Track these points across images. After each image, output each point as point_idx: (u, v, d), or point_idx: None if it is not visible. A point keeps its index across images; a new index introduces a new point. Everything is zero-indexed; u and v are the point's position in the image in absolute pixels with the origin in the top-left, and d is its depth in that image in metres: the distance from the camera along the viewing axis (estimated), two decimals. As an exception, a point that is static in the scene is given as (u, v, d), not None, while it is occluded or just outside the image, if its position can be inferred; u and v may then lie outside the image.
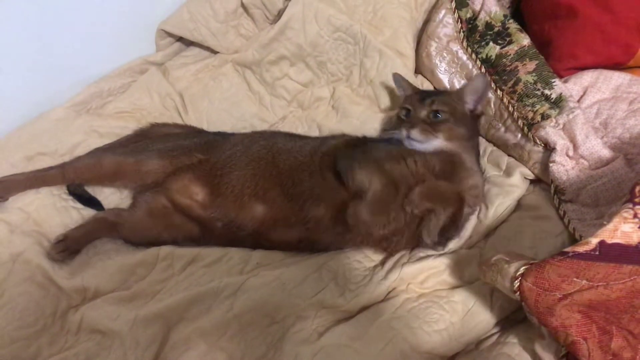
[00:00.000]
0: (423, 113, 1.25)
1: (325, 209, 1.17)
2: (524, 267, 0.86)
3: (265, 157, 1.26)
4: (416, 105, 1.26)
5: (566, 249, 0.83)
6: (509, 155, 1.36)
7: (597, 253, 0.81)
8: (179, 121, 1.51)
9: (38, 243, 1.22)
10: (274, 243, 1.21)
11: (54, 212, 1.29)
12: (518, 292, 0.87)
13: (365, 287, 1.10)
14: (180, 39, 1.63)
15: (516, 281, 0.87)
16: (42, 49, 1.38)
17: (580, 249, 0.82)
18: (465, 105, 1.30)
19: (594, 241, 0.81)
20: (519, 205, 1.28)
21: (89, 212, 1.31)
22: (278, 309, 1.07)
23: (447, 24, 1.51)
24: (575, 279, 0.82)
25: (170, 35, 1.59)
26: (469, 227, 1.25)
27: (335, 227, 1.17)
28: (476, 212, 1.25)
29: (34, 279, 1.16)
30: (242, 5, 1.54)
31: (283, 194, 1.20)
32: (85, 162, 1.32)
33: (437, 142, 1.21)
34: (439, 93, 1.40)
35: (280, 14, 1.55)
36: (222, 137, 1.37)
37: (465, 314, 1.05)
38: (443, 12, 1.51)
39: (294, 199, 1.19)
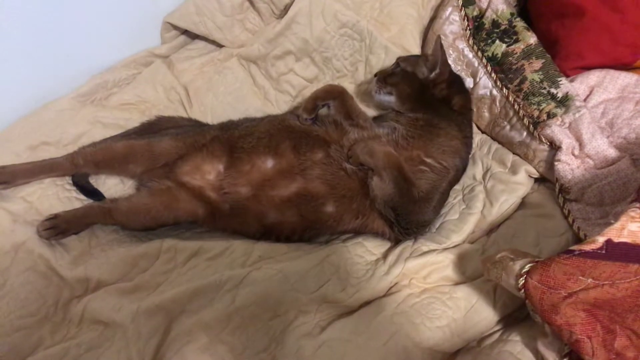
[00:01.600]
0: (389, 68, 1.41)
1: (321, 152, 1.24)
2: (529, 265, 0.86)
3: (279, 120, 1.33)
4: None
5: (572, 247, 0.83)
6: (514, 153, 1.36)
7: (603, 252, 0.81)
8: (183, 114, 1.51)
9: (41, 233, 1.22)
10: (273, 201, 1.22)
11: (57, 202, 1.28)
12: (523, 290, 0.87)
13: (368, 282, 1.10)
14: (185, 32, 1.63)
15: (521, 279, 0.87)
16: (47, 39, 1.37)
17: (587, 247, 0.82)
18: (421, 69, 1.35)
19: (600, 240, 0.81)
20: (523, 203, 1.28)
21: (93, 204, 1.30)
22: (280, 302, 1.07)
23: (453, 21, 1.50)
24: (580, 277, 0.82)
25: (175, 28, 1.59)
26: (472, 220, 1.24)
27: (325, 174, 1.22)
28: (445, 179, 1.25)
29: (36, 268, 1.15)
30: (249, -1, 1.53)
31: (291, 146, 1.25)
32: (97, 146, 1.33)
33: (387, 98, 1.37)
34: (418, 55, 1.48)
35: (286, 8, 1.54)
36: (232, 121, 1.40)
37: (467, 311, 1.05)
38: (450, 9, 1.50)
39: (300, 150, 1.24)
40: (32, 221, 1.22)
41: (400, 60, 1.40)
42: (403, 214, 1.17)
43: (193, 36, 1.63)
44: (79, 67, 1.50)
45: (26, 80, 1.40)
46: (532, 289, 0.85)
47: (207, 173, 1.25)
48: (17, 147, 1.34)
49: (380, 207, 1.19)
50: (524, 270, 0.87)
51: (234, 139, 1.27)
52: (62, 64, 1.45)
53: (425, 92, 1.33)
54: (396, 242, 1.23)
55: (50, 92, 1.45)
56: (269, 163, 1.24)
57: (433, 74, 1.33)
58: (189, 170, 1.25)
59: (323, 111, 1.34)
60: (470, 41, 1.47)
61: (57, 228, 1.20)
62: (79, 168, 1.31)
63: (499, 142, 1.42)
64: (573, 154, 1.20)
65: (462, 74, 1.48)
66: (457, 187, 1.33)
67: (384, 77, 1.38)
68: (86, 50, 1.49)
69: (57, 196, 1.29)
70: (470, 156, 1.37)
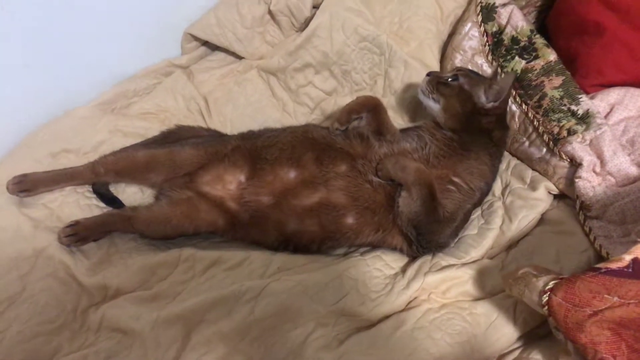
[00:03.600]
0: (446, 75, 1.34)
1: (345, 165, 1.24)
2: (553, 282, 0.86)
3: (302, 131, 1.32)
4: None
5: (598, 265, 0.82)
6: (533, 169, 1.36)
7: (630, 270, 0.81)
8: (202, 125, 1.52)
9: (61, 239, 1.23)
10: (295, 210, 1.22)
11: (77, 209, 1.29)
12: (546, 307, 0.86)
13: (387, 296, 1.10)
14: (205, 43, 1.65)
15: (545, 295, 0.86)
16: (69, 48, 1.40)
17: (613, 265, 0.81)
18: (480, 94, 1.28)
19: (627, 258, 0.81)
20: (542, 220, 1.28)
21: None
22: (299, 314, 1.07)
23: (472, 37, 1.51)
24: (606, 296, 0.81)
25: (196, 39, 1.61)
26: (491, 236, 1.24)
27: (349, 186, 1.23)
28: (470, 201, 1.23)
29: (56, 274, 1.16)
30: (269, 12, 1.55)
31: (314, 157, 1.25)
32: (118, 155, 1.34)
33: (432, 103, 1.32)
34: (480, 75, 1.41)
35: (306, 22, 1.56)
36: (253, 131, 1.40)
37: (488, 327, 1.04)
38: (469, 25, 1.51)
39: (323, 162, 1.25)
40: (53, 228, 1.23)
41: (460, 73, 1.32)
42: (425, 232, 1.17)
43: (213, 47, 1.65)
44: (100, 76, 1.52)
45: (47, 88, 1.43)
46: (556, 306, 0.84)
47: (228, 183, 1.26)
48: (38, 154, 1.35)
49: (403, 223, 1.18)
50: (547, 287, 0.86)
51: (256, 150, 1.28)
52: (83, 72, 1.47)
53: (473, 117, 1.28)
54: (413, 258, 1.23)
55: (71, 100, 1.47)
56: (292, 174, 1.24)
57: (491, 105, 1.27)
58: (210, 180, 1.26)
59: (353, 123, 1.34)
60: (489, 57, 1.48)
61: (77, 235, 1.20)
62: (100, 176, 1.32)
63: (518, 158, 1.41)
64: (594, 171, 1.19)
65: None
66: (476, 201, 1.33)
67: (437, 83, 1.31)
68: (107, 59, 1.52)
69: (77, 204, 1.30)
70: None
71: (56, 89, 1.44)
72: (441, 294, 1.12)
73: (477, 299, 1.11)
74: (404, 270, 1.18)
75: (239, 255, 1.21)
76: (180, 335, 1.03)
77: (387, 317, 1.08)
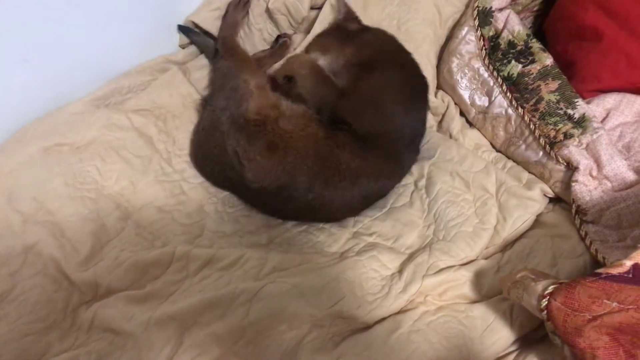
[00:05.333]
0: None
1: None
2: (552, 286, 0.86)
3: None
4: None
5: (599, 270, 0.82)
6: (529, 172, 1.36)
7: (630, 276, 0.81)
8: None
9: (52, 234, 1.19)
10: None
11: (69, 201, 1.25)
12: (545, 311, 0.86)
13: (383, 299, 1.09)
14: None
15: (544, 300, 0.86)
16: (63, 42, 1.37)
17: (614, 270, 0.81)
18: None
19: (627, 263, 0.81)
20: (537, 222, 1.28)
21: (105, 204, 1.27)
22: (294, 316, 1.05)
23: (469, 41, 1.51)
24: (605, 301, 0.82)
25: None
26: (485, 236, 1.24)
27: None
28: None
29: (47, 271, 1.13)
30: (267, 10, 1.54)
31: None
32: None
33: None
34: None
35: (304, 21, 1.55)
36: None
37: (484, 330, 1.04)
38: (466, 29, 1.51)
39: None
40: (44, 222, 1.20)
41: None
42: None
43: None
44: (94, 72, 1.49)
45: (40, 84, 1.39)
46: (555, 310, 0.84)
47: None
48: (29, 148, 1.32)
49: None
50: (547, 292, 0.86)
51: None
52: (77, 67, 1.44)
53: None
54: (409, 256, 1.22)
55: (64, 96, 1.44)
56: None
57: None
58: None
59: None
60: (486, 61, 1.48)
61: None
62: None
63: (515, 161, 1.42)
64: (591, 175, 1.20)
65: (478, 93, 1.48)
66: (469, 197, 1.33)
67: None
68: (102, 55, 1.49)
69: (69, 196, 1.27)
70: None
71: (49, 85, 1.41)
72: (438, 296, 1.11)
73: (473, 302, 1.11)
74: (400, 270, 1.17)
75: (233, 254, 1.19)
76: (174, 337, 1.02)
77: (383, 319, 1.07)
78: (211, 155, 1.30)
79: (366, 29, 1.45)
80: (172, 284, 1.14)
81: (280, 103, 1.27)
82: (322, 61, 1.40)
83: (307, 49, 1.47)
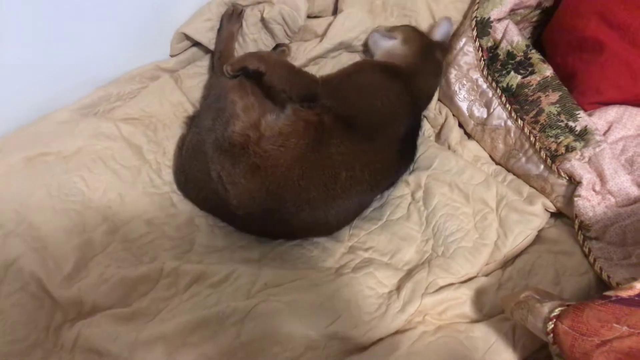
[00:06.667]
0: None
1: None
2: (559, 308, 0.82)
3: None
4: None
5: (608, 293, 0.79)
6: (530, 186, 1.33)
7: (640, 298, 0.77)
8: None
9: (34, 249, 1.14)
10: None
11: (53, 214, 1.20)
12: (552, 334, 0.82)
13: (381, 319, 1.04)
14: (195, 45, 1.58)
15: (550, 323, 0.82)
16: (50, 48, 1.32)
17: (624, 293, 0.78)
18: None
19: (638, 286, 0.78)
20: (538, 238, 1.24)
21: (91, 217, 1.22)
22: (288, 338, 1.01)
23: (467, 52, 1.48)
24: (615, 325, 0.78)
25: (187, 38, 1.55)
26: (485, 252, 1.20)
27: None
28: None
29: (28, 288, 1.08)
30: (262, 19, 1.50)
31: None
32: None
33: (387, 41, 1.46)
34: None
35: (300, 30, 1.52)
36: None
37: (485, 352, 1.00)
38: (464, 40, 1.48)
39: None
40: (25, 236, 1.15)
41: None
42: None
43: (205, 51, 1.58)
44: (82, 79, 1.44)
45: (26, 91, 1.34)
46: (562, 334, 0.80)
47: None
48: (11, 158, 1.26)
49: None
50: (553, 314, 0.82)
51: None
52: (63, 74, 1.39)
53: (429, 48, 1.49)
54: (407, 272, 1.18)
55: (50, 104, 1.39)
56: None
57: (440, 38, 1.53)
58: None
59: None
60: (485, 72, 1.45)
61: None
62: None
63: (515, 174, 1.38)
64: (594, 190, 1.16)
65: (476, 104, 1.45)
66: (468, 210, 1.29)
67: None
68: (90, 61, 1.44)
69: (53, 208, 1.22)
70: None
71: (33, 92, 1.36)
72: (437, 315, 1.07)
73: (474, 321, 1.07)
74: (398, 288, 1.13)
75: (224, 270, 1.14)
76: (162, 359, 0.97)
77: (380, 339, 1.03)
78: (195, 180, 1.25)
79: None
80: (160, 301, 1.09)
81: (260, 122, 1.23)
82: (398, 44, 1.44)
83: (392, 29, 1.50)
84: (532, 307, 0.87)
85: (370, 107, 1.27)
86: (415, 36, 1.45)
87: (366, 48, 1.56)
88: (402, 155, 1.34)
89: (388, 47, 1.44)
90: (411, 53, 1.41)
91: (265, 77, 1.29)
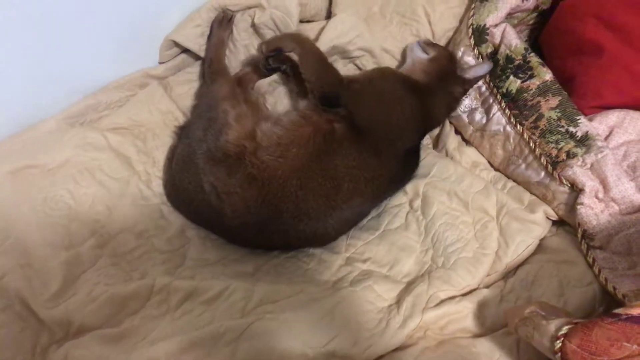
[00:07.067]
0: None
1: None
2: (567, 327, 0.79)
3: None
4: None
5: (618, 311, 0.76)
6: (531, 193, 1.30)
7: (652, 316, 0.74)
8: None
9: (19, 265, 1.10)
10: None
11: (38, 229, 1.16)
12: (559, 354, 0.79)
13: (381, 335, 1.01)
14: (185, 52, 1.54)
15: (558, 341, 0.79)
16: (35, 55, 1.27)
17: (634, 311, 0.75)
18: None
19: (649, 303, 0.74)
20: (540, 247, 1.21)
21: (78, 231, 1.18)
22: (285, 358, 0.97)
23: (467, 61, 1.44)
24: (625, 344, 0.75)
25: (176, 45, 1.50)
26: (486, 262, 1.17)
27: None
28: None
29: (13, 308, 1.04)
30: (253, 25, 1.46)
31: None
32: None
33: (420, 53, 1.40)
34: None
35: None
36: None
37: (489, 368, 0.97)
38: (462, 49, 1.44)
39: None
40: (10, 252, 1.11)
41: None
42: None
43: (194, 57, 1.54)
44: (68, 86, 1.40)
45: (9, 98, 1.29)
46: (570, 353, 0.77)
47: None
48: (-5, 171, 1.22)
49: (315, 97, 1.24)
50: (560, 333, 0.79)
51: None
52: (49, 82, 1.34)
53: (447, 77, 1.42)
54: (406, 285, 1.15)
55: (37, 113, 1.34)
56: None
57: (469, 76, 1.43)
58: None
59: None
60: (487, 78, 1.42)
61: None
62: None
63: (515, 181, 1.35)
64: (597, 198, 1.13)
65: (477, 110, 1.42)
66: (468, 219, 1.26)
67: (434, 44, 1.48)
68: (76, 68, 1.39)
69: (38, 223, 1.17)
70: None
71: (19, 101, 1.32)
72: (439, 330, 1.04)
73: (476, 335, 1.04)
74: (398, 301, 1.09)
75: (217, 285, 1.11)
76: (153, 382, 0.93)
77: (381, 356, 1.00)
78: (186, 192, 1.21)
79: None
80: (151, 320, 1.05)
81: (255, 132, 1.19)
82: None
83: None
84: (537, 324, 0.84)
85: (386, 118, 1.23)
86: (444, 60, 1.38)
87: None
88: (406, 168, 1.31)
89: (417, 59, 1.40)
90: (430, 72, 1.35)
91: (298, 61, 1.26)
